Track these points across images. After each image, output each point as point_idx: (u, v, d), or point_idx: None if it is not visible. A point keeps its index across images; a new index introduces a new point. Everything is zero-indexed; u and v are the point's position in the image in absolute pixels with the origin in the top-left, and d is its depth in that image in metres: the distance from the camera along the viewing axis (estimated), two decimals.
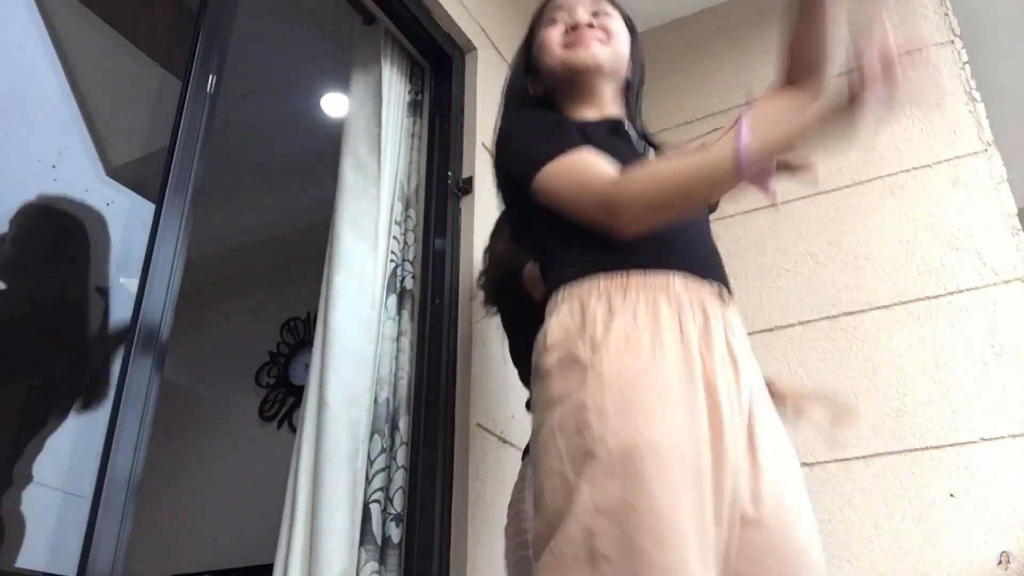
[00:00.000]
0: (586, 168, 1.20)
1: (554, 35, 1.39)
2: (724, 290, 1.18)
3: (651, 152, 1.41)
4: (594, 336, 1.09)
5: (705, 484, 1.01)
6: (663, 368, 1.06)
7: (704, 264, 1.19)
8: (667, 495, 0.98)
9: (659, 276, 1.13)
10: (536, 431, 1.13)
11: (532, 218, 1.27)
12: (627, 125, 1.36)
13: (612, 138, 1.30)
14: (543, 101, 1.42)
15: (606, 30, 1.38)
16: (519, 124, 1.36)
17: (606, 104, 1.38)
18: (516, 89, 1.46)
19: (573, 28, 1.38)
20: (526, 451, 1.70)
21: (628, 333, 1.08)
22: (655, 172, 1.17)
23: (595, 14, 1.40)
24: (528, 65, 1.45)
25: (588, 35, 1.36)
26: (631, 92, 1.45)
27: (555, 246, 1.23)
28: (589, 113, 1.36)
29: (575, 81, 1.37)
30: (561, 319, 1.14)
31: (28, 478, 1.35)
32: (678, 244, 1.18)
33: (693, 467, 1.01)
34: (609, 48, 1.37)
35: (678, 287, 1.13)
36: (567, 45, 1.37)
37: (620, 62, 1.39)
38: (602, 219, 1.15)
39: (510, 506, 1.64)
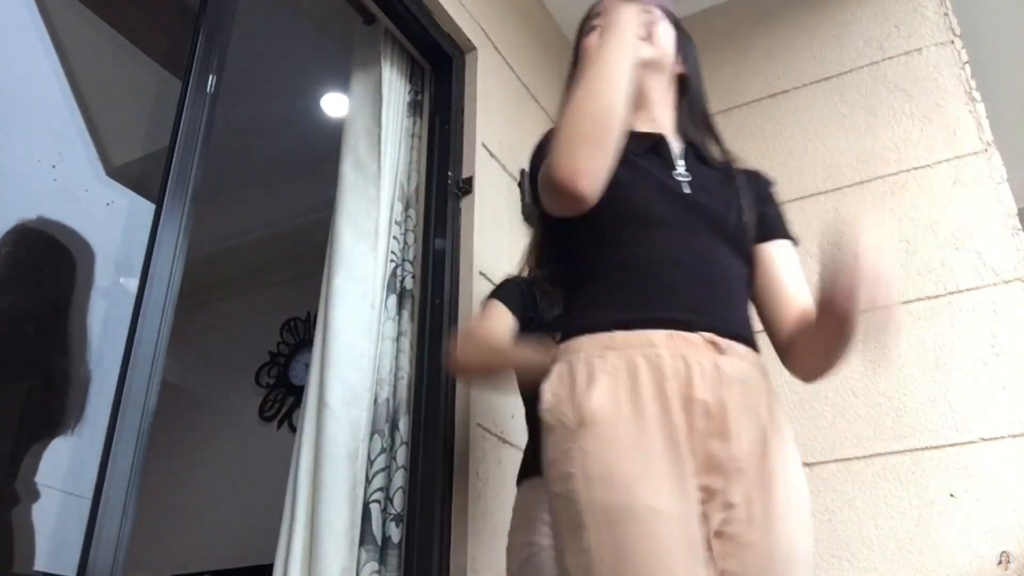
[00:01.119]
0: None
1: (595, 41, 1.36)
2: (719, 338, 1.15)
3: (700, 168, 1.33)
4: (579, 405, 1.12)
5: (696, 549, 1.04)
6: (647, 438, 1.08)
7: (694, 313, 1.16)
8: (656, 562, 1.02)
9: (641, 334, 1.14)
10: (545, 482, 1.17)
11: (556, 264, 1.35)
12: (669, 141, 1.32)
13: (647, 155, 1.29)
14: None
15: (645, 27, 1.35)
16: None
17: (655, 107, 1.36)
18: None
19: None
20: (520, 475, 1.70)
21: (610, 402, 1.11)
22: (562, 121, 1.17)
23: None
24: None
25: None
26: (689, 91, 1.41)
27: (565, 300, 1.29)
28: (638, 122, 1.32)
29: None
30: (552, 383, 1.18)
31: (28, 478, 1.35)
32: (664, 298, 1.18)
33: (683, 535, 1.04)
34: (648, 43, 1.34)
35: (659, 343, 1.13)
36: None
37: (663, 56, 1.36)
38: (556, 198, 1.17)
39: (516, 534, 1.64)
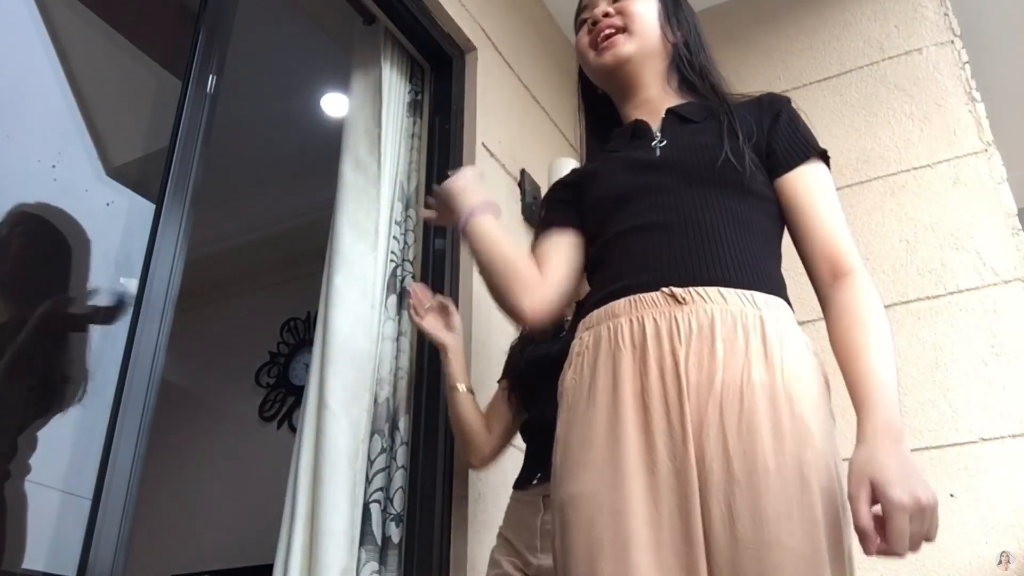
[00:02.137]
0: None
1: (583, 39, 1.38)
2: (679, 289, 1.09)
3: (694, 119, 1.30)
4: (561, 390, 1.17)
5: (633, 515, 1.00)
6: (593, 414, 1.08)
7: (658, 272, 1.13)
8: (580, 543, 1.02)
9: (608, 307, 1.15)
10: None
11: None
12: (649, 118, 1.32)
13: (629, 143, 1.31)
14: (607, 99, 1.43)
15: (624, 13, 1.34)
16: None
17: (648, 89, 1.35)
18: (583, 101, 1.48)
19: (594, 24, 1.35)
20: (516, 485, 1.71)
21: (575, 382, 1.14)
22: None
23: (616, 0, 1.36)
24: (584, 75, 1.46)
25: (606, 29, 1.33)
26: (684, 57, 1.37)
27: None
28: (633, 110, 1.35)
29: (613, 80, 1.37)
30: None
31: (28, 478, 1.35)
32: (631, 266, 1.17)
33: (610, 507, 1.01)
34: (632, 35, 1.33)
35: (620, 312, 1.12)
36: (593, 46, 1.36)
37: (648, 41, 1.34)
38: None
39: (508, 532, 1.66)
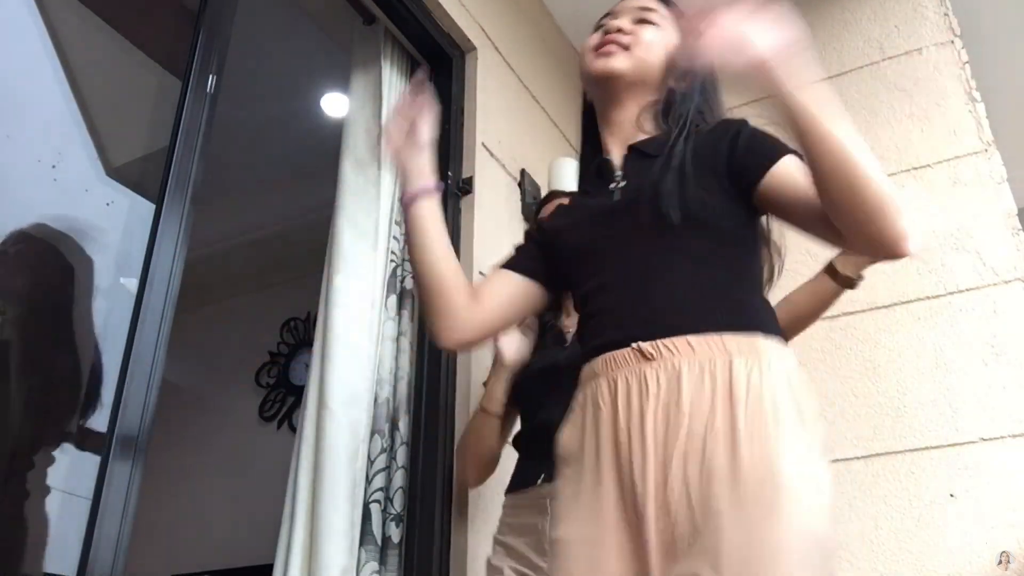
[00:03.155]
0: None
1: (592, 38, 1.35)
2: (645, 344, 1.09)
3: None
4: (559, 446, 1.20)
5: (604, 572, 1.05)
6: (581, 470, 1.13)
7: (627, 329, 1.13)
8: None
9: (591, 364, 1.17)
10: None
11: None
12: (613, 157, 1.29)
13: (593, 182, 1.32)
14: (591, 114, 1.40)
15: (635, 35, 1.31)
16: None
17: (625, 110, 1.31)
18: (583, 120, 1.45)
19: (606, 32, 1.33)
20: (512, 489, 1.72)
21: (572, 437, 1.17)
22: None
23: (640, 21, 1.33)
24: None
25: (612, 42, 1.30)
26: (677, 103, 1.31)
27: None
28: (605, 122, 1.34)
29: (597, 89, 1.35)
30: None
31: (28, 478, 1.35)
32: (603, 322, 1.18)
33: (589, 560, 1.06)
34: (629, 56, 1.29)
35: (599, 370, 1.14)
36: (595, 49, 1.32)
37: (642, 69, 1.30)
38: None
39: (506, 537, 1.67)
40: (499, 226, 2.28)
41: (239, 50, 1.93)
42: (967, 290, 2.16)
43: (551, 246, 1.32)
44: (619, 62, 1.29)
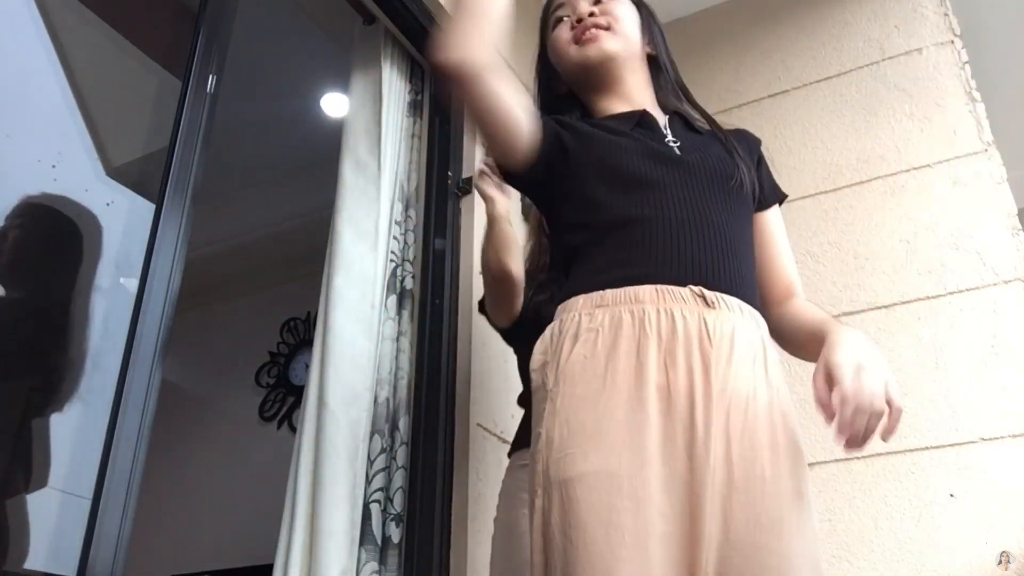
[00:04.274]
0: None
1: (563, 34, 1.39)
2: (709, 292, 1.11)
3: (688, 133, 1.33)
4: (558, 363, 1.12)
5: (652, 506, 1.00)
6: (611, 394, 1.06)
7: (687, 269, 1.14)
8: (598, 525, 0.99)
9: (629, 290, 1.13)
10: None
11: (553, 239, 1.40)
12: (653, 114, 1.33)
13: (636, 129, 1.29)
14: (569, 98, 1.43)
15: (609, 15, 1.36)
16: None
17: (632, 90, 1.36)
18: (541, 98, 1.47)
19: (578, 21, 1.37)
20: (511, 448, 1.71)
21: (586, 358, 1.10)
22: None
23: (597, 1, 1.38)
24: (547, 70, 1.46)
25: (593, 28, 1.35)
26: (660, 68, 1.41)
27: (566, 270, 1.27)
28: (617, 104, 1.35)
29: (594, 76, 1.37)
30: (543, 341, 1.18)
31: (28, 478, 1.35)
32: (657, 254, 1.16)
33: (630, 493, 1.00)
34: (617, 35, 1.35)
35: (645, 298, 1.11)
36: (576, 41, 1.36)
37: (632, 44, 1.37)
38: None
39: (499, 513, 1.66)
40: None
41: (239, 50, 1.93)
42: (967, 290, 2.16)
43: (583, 152, 1.26)
44: (611, 43, 1.34)
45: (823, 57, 2.67)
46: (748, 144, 1.38)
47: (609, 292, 1.13)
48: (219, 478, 3.74)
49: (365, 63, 2.28)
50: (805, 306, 1.28)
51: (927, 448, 2.05)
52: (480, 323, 2.04)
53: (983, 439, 2.00)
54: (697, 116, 1.38)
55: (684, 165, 1.24)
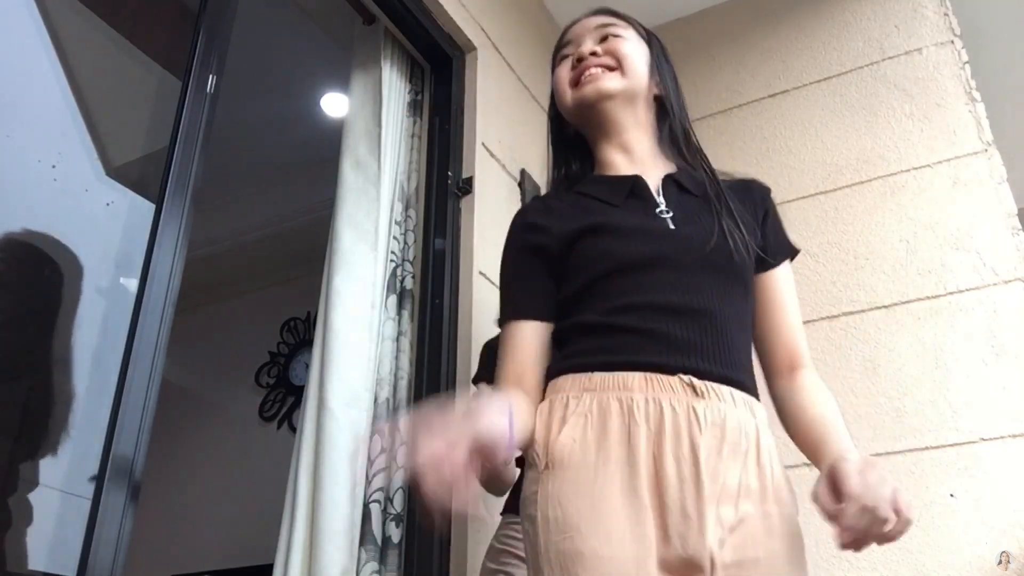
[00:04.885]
0: (501, 351, 1.25)
1: (563, 73, 1.33)
2: (698, 381, 1.10)
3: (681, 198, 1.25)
4: (548, 443, 1.11)
5: None
6: (606, 481, 1.06)
7: (677, 354, 1.12)
8: None
9: (618, 376, 1.11)
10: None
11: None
12: (646, 177, 1.26)
13: (627, 200, 1.24)
14: (577, 140, 1.38)
15: (613, 54, 1.30)
16: (502, 264, 1.34)
17: (631, 139, 1.30)
18: (552, 136, 1.42)
19: (579, 61, 1.31)
20: (503, 508, 1.71)
21: (575, 442, 1.09)
22: None
23: (604, 39, 1.32)
24: (556, 111, 1.40)
25: (593, 67, 1.29)
26: (668, 111, 1.33)
27: (557, 347, 1.24)
28: (615, 155, 1.31)
29: (591, 117, 1.32)
30: (539, 418, 1.16)
31: (28, 479, 1.35)
32: (647, 341, 1.13)
33: (630, 573, 1.01)
34: (618, 75, 1.29)
35: (634, 386, 1.10)
36: (574, 82, 1.31)
37: (635, 84, 1.30)
38: None
39: (486, 561, 1.67)
40: (499, 226, 2.27)
41: (239, 50, 1.93)
42: (967, 290, 2.16)
43: (569, 248, 1.23)
44: (610, 83, 1.28)
45: (823, 57, 2.67)
46: (753, 198, 1.30)
47: (597, 376, 1.13)
48: (219, 478, 3.75)
49: (365, 63, 2.28)
50: (811, 394, 1.20)
51: (927, 448, 2.05)
52: (480, 323, 2.04)
53: (983, 439, 2.00)
54: (695, 167, 1.30)
55: (675, 241, 1.19)
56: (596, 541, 1.03)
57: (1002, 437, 1.99)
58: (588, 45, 1.31)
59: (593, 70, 1.29)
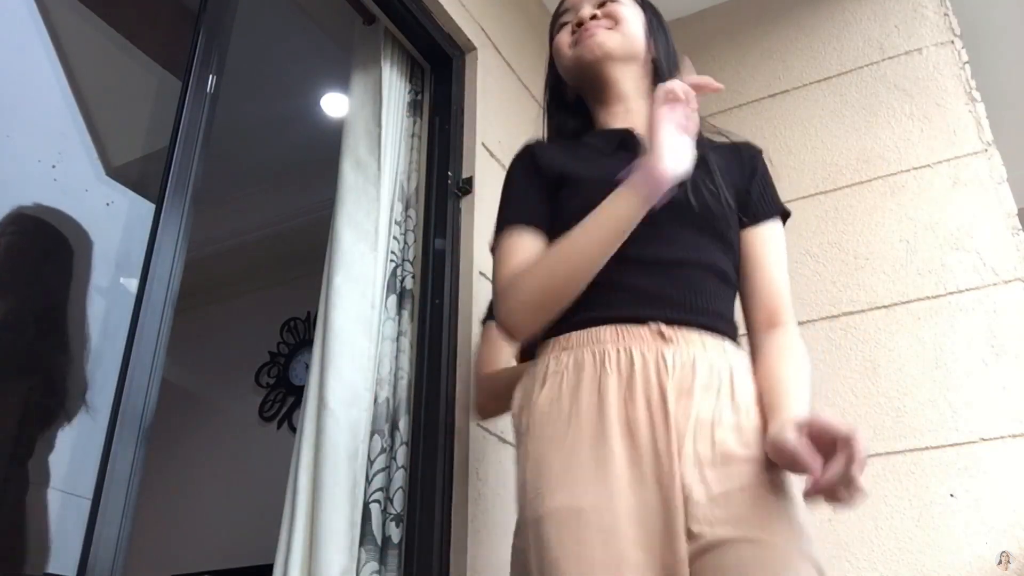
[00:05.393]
0: (499, 257, 1.28)
1: (564, 38, 1.39)
2: (666, 327, 1.14)
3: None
4: (530, 407, 1.17)
5: (624, 537, 1.02)
6: (576, 433, 1.10)
7: (647, 305, 1.16)
8: (569, 560, 1.02)
9: (592, 331, 1.16)
10: None
11: None
12: (639, 134, 1.30)
13: (616, 152, 1.29)
14: (576, 108, 1.43)
15: (612, 16, 1.36)
16: (504, 182, 1.38)
17: (628, 97, 1.36)
18: (548, 104, 1.47)
19: (579, 25, 1.37)
20: None
21: (552, 401, 1.14)
22: (536, 273, 1.19)
23: (602, 4, 1.38)
24: (555, 79, 1.46)
25: (592, 27, 1.35)
26: (662, 74, 1.38)
27: None
28: (613, 116, 1.36)
29: (591, 77, 1.37)
30: (520, 387, 1.22)
31: (28, 478, 1.35)
32: (619, 293, 1.18)
33: (599, 526, 1.02)
34: (617, 33, 1.35)
35: (606, 338, 1.15)
36: (575, 43, 1.36)
37: (633, 44, 1.36)
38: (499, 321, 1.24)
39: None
40: None
41: (239, 50, 1.93)
42: (967, 290, 2.16)
43: (558, 189, 1.27)
44: (608, 39, 1.34)
45: (823, 57, 2.67)
46: (742, 157, 1.34)
47: (574, 334, 1.17)
48: (219, 478, 3.75)
49: (365, 63, 2.28)
50: (780, 354, 1.21)
51: (927, 448, 2.05)
52: (480, 323, 2.04)
53: (983, 439, 2.01)
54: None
55: None
56: (563, 495, 1.06)
57: (1002, 437, 1.99)
58: (587, 10, 1.37)
59: (590, 28, 1.34)
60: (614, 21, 1.35)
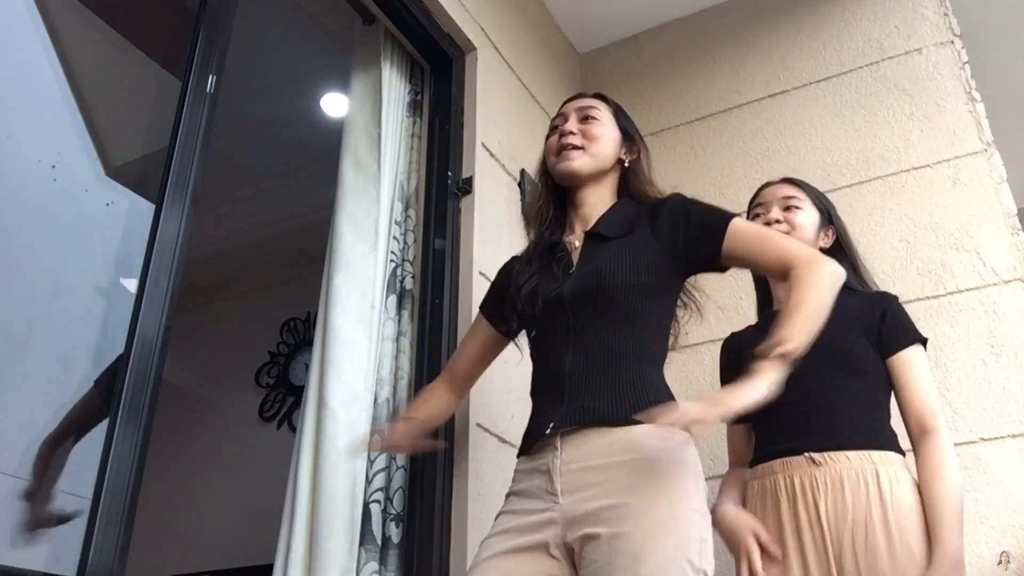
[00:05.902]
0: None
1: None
2: (815, 455, 1.56)
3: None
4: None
5: None
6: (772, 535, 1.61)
7: (798, 441, 1.60)
8: None
9: (768, 464, 1.66)
10: None
11: None
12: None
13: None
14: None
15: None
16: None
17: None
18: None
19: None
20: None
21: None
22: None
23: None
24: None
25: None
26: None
27: None
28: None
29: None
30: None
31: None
32: (778, 435, 1.66)
33: None
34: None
35: (776, 469, 1.63)
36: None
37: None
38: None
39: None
40: (499, 226, 2.28)
41: (239, 50, 1.93)
42: (967, 290, 2.16)
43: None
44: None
45: (823, 57, 2.67)
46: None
47: (759, 466, 1.65)
48: (219, 478, 3.74)
49: (365, 63, 2.28)
50: (931, 472, 1.56)
51: None
52: None
53: (983, 439, 2.01)
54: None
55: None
56: (774, 570, 1.57)
57: (1002, 437, 1.99)
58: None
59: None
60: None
